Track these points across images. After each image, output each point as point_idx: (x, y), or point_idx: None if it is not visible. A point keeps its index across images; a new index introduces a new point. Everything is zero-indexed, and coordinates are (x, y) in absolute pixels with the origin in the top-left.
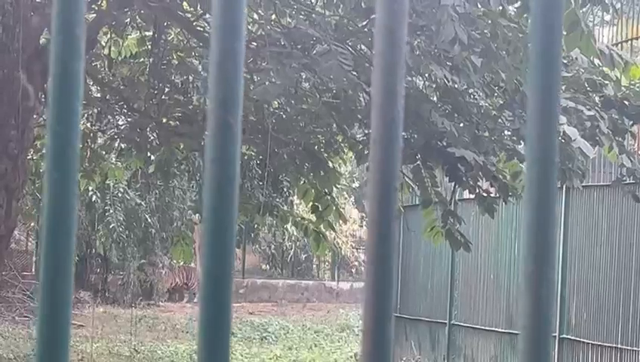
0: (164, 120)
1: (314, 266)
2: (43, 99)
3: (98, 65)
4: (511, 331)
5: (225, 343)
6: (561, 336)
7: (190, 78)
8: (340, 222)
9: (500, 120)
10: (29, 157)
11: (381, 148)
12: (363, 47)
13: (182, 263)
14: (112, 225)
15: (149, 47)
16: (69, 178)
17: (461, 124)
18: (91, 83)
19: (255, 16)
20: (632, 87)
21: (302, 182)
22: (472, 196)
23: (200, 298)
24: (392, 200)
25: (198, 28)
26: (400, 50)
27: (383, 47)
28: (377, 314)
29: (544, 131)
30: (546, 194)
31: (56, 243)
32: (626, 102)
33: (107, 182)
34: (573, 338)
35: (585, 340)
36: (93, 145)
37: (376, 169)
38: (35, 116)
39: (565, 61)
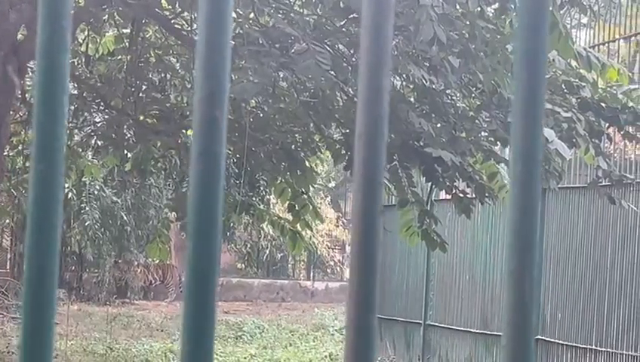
0: (142, 117)
1: (289, 266)
2: (19, 96)
3: (75, 62)
4: (486, 332)
5: (209, 340)
6: (536, 337)
7: (168, 75)
8: (317, 221)
9: (477, 121)
10: (5, 154)
11: (367, 143)
12: (341, 46)
13: (157, 261)
14: (88, 222)
15: (127, 44)
16: (54, 170)
17: (438, 125)
18: (69, 80)
19: (234, 14)
20: (608, 89)
21: (279, 181)
22: (449, 196)
23: (185, 293)
24: (377, 195)
25: (176, 26)
26: (386, 47)
27: (369, 44)
28: (361, 308)
29: (529, 130)
30: (530, 193)
31: (42, 235)
32: (603, 105)
33: (83, 179)
34: (548, 339)
35: (560, 341)
36: (69, 143)
37: (361, 164)
38: (11, 112)
39: None
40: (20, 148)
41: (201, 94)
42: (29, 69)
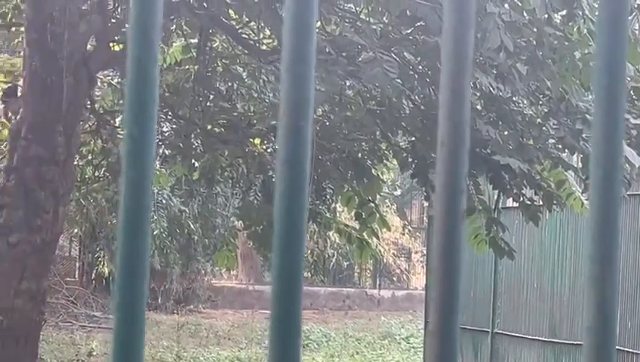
0: (209, 127)
1: (355, 274)
2: (89, 106)
3: None
4: (554, 340)
5: (296, 343)
6: None
7: (235, 85)
8: (384, 229)
9: (544, 128)
10: (74, 164)
11: (448, 150)
12: (407, 54)
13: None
14: (156, 231)
15: (194, 54)
16: (144, 178)
17: (506, 132)
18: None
19: None
20: None
21: (345, 190)
22: (516, 204)
23: (272, 298)
24: (459, 202)
25: (243, 35)
26: (467, 54)
27: (451, 51)
28: (445, 314)
29: (609, 135)
30: (610, 198)
31: (133, 241)
32: None
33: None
34: (618, 347)
35: (628, 349)
36: None
37: (443, 171)
38: (81, 122)
39: None
40: (89, 157)
41: (286, 104)
42: (98, 80)
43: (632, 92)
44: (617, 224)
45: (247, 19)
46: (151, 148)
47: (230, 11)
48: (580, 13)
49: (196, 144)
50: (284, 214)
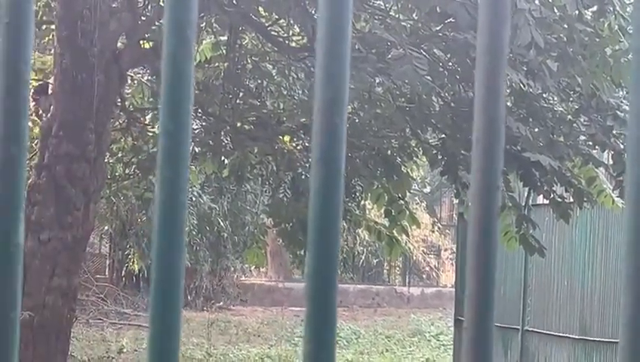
0: (239, 124)
1: (385, 271)
2: (119, 103)
3: None
4: (585, 337)
5: (331, 339)
6: None
7: (264, 82)
8: (413, 226)
9: (575, 125)
10: (105, 161)
11: (483, 147)
12: (437, 51)
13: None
14: (186, 228)
15: (224, 51)
16: (179, 176)
17: (536, 129)
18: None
19: None
20: None
21: (375, 187)
22: (547, 201)
23: (306, 295)
24: (495, 198)
25: (273, 33)
26: (502, 50)
27: (486, 46)
28: (480, 310)
29: None
30: None
31: (168, 239)
32: None
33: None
34: None
35: None
36: None
37: (478, 167)
38: (111, 120)
39: None
40: (119, 155)
41: (321, 101)
42: (128, 77)
43: None
44: None
45: (276, 17)
46: (186, 144)
47: (260, 8)
48: (611, 9)
49: (226, 141)
50: (319, 212)
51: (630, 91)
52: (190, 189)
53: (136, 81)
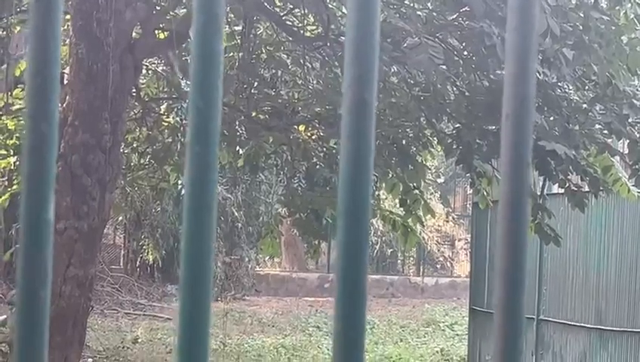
0: (253, 114)
1: (399, 261)
2: (134, 93)
3: (189, 60)
4: (600, 327)
5: (361, 323)
6: None
7: (279, 72)
8: (428, 216)
9: (591, 113)
10: (120, 151)
11: (513, 124)
12: (452, 40)
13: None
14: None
15: (239, 41)
16: (209, 152)
17: (551, 118)
18: (181, 77)
19: (344, 10)
20: None
21: (390, 176)
22: (562, 190)
23: (337, 274)
24: (525, 176)
25: (288, 22)
26: (532, 27)
27: (516, 24)
28: (511, 287)
29: None
30: None
31: (198, 215)
32: None
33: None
34: None
35: None
36: (183, 139)
37: (508, 145)
38: (126, 109)
39: None
40: (134, 145)
41: (350, 77)
42: (143, 67)
43: None
44: None
45: (291, 6)
46: (216, 121)
47: None
48: None
49: (240, 131)
50: (349, 186)
51: None
52: None
53: (151, 71)
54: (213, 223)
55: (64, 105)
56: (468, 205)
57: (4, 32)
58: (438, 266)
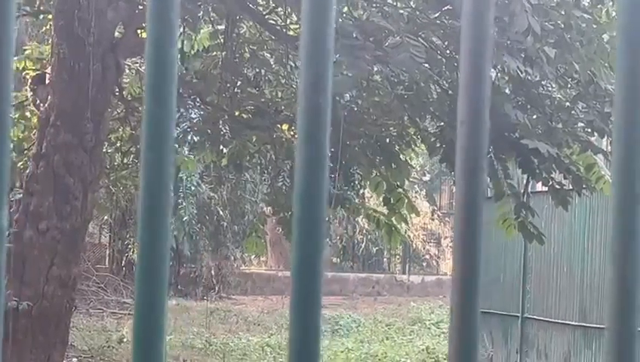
0: (237, 113)
1: (385, 260)
2: (117, 93)
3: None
4: (584, 324)
5: (316, 328)
6: None
7: (262, 71)
8: (412, 215)
9: (573, 112)
10: (103, 150)
11: (468, 130)
12: (435, 39)
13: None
14: (185, 218)
15: (222, 40)
16: (163, 159)
17: (534, 116)
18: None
19: None
20: None
21: (374, 175)
22: (545, 188)
23: (292, 278)
24: (480, 181)
25: (271, 21)
26: (487, 33)
27: (470, 32)
28: (465, 291)
29: (630, 112)
30: (633, 173)
31: (153, 220)
32: None
33: (180, 175)
34: None
35: None
36: None
37: (463, 148)
38: (109, 109)
39: None
40: (117, 144)
41: (305, 82)
42: (125, 67)
43: None
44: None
45: (273, 5)
46: (171, 126)
47: None
48: None
49: (224, 130)
50: (305, 193)
51: (616, 74)
52: (189, 179)
53: (133, 70)
54: (167, 228)
55: (46, 104)
56: (454, 203)
57: None
58: (424, 264)
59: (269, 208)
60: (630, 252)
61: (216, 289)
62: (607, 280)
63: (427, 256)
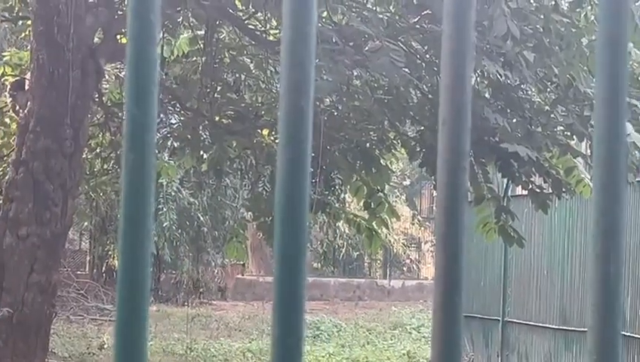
0: (217, 118)
1: (365, 264)
2: (96, 99)
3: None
4: (565, 328)
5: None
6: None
7: (242, 76)
8: (393, 219)
9: (553, 115)
10: (83, 156)
11: (450, 130)
12: (415, 43)
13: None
14: (165, 223)
15: (202, 46)
16: (145, 160)
17: (514, 120)
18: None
19: None
20: None
21: (354, 180)
22: (525, 192)
23: (274, 282)
24: (462, 182)
25: (250, 26)
26: (468, 34)
27: (451, 31)
28: (447, 291)
29: (612, 110)
30: (615, 173)
31: (134, 223)
32: None
33: (160, 180)
34: (629, 334)
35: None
36: None
37: (444, 149)
38: (89, 115)
39: None
40: (97, 150)
41: (287, 84)
42: (105, 72)
43: (639, 78)
44: (623, 200)
45: (253, 10)
46: (151, 130)
47: (237, 2)
48: None
49: (204, 136)
50: (286, 195)
51: (597, 75)
52: (169, 184)
53: (113, 76)
54: (150, 231)
55: (26, 110)
56: (434, 207)
57: None
58: (405, 269)
59: (249, 213)
60: (612, 252)
61: (197, 294)
62: (589, 281)
63: (408, 261)
